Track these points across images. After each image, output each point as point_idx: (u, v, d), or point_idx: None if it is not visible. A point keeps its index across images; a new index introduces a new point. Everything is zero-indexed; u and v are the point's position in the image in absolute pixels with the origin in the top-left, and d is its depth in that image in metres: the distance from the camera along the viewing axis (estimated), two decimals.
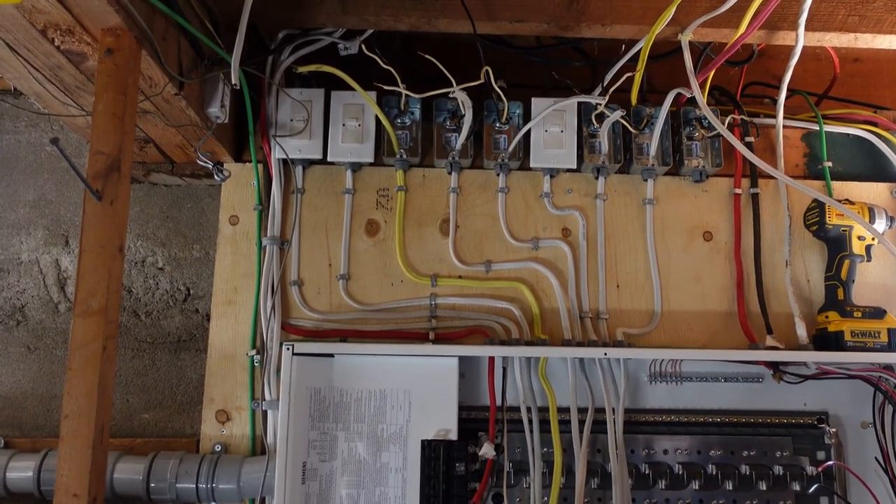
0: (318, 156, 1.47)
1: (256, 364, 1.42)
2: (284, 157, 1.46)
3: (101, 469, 0.95)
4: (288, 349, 1.32)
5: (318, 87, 1.49)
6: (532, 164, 1.49)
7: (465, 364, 1.39)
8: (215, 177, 1.40)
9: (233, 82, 1.26)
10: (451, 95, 1.39)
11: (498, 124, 1.49)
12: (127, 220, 1.04)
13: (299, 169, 1.50)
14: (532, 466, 1.34)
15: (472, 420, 1.38)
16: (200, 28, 1.23)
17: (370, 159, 1.48)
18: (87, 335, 0.97)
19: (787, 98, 1.52)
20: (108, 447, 0.98)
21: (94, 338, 0.96)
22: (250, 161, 1.48)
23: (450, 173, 1.51)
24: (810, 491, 1.37)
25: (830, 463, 1.38)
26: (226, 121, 1.36)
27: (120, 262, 1.02)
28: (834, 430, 1.41)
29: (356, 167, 1.51)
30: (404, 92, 1.40)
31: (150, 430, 1.50)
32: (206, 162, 1.38)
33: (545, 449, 1.36)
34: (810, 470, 1.38)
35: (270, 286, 1.44)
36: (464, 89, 1.37)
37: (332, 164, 1.50)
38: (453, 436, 1.33)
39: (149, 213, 1.59)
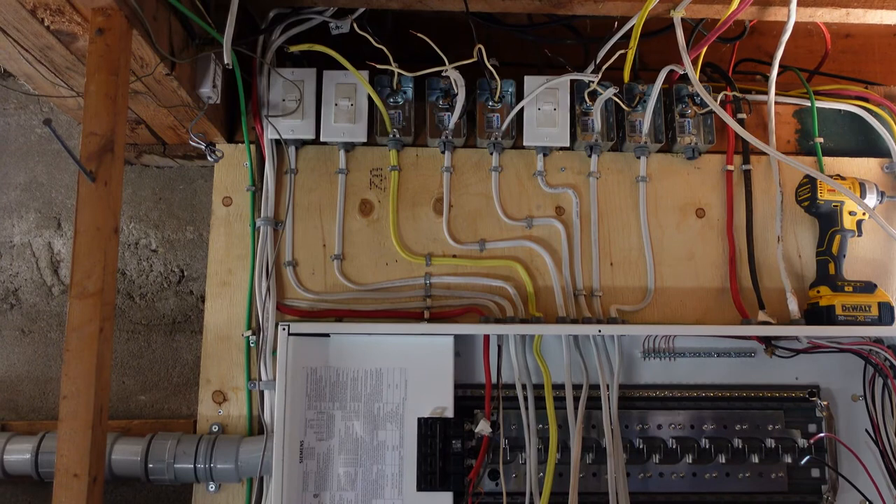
0: (311, 136, 1.47)
1: (252, 345, 1.42)
2: (277, 137, 1.46)
3: (100, 449, 0.96)
4: (283, 329, 1.32)
5: (310, 67, 1.48)
6: (525, 143, 1.49)
7: (461, 342, 1.39)
8: (208, 157, 1.40)
9: (225, 62, 1.25)
10: (443, 74, 1.39)
11: (491, 103, 1.49)
12: (121, 201, 1.04)
13: (292, 149, 1.50)
14: (528, 443, 1.35)
15: (469, 398, 1.39)
16: (191, 7, 1.22)
17: (363, 139, 1.47)
18: (84, 317, 0.97)
19: (778, 74, 1.53)
20: (107, 428, 0.99)
21: (90, 319, 0.97)
22: (243, 142, 1.47)
23: (443, 152, 1.51)
24: (802, 463, 1.38)
25: (822, 435, 1.40)
26: (218, 101, 1.35)
27: (115, 243, 1.02)
28: (825, 403, 1.42)
29: (349, 147, 1.51)
30: (397, 71, 1.40)
31: (147, 411, 1.51)
32: (198, 142, 1.37)
33: (541, 425, 1.37)
34: (802, 442, 1.39)
35: (265, 267, 1.44)
36: (456, 68, 1.37)
37: (324, 144, 1.50)
38: (449, 413, 1.34)
39: (141, 195, 1.58)
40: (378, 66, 1.38)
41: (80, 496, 0.92)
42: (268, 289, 1.42)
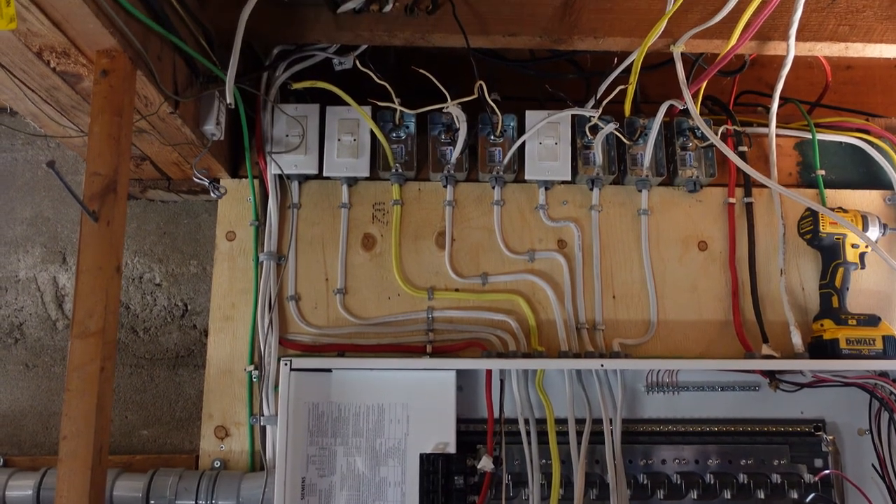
0: (314, 171, 1.48)
1: (254, 379, 1.42)
2: (280, 172, 1.47)
3: (100, 489, 0.96)
4: (286, 364, 1.32)
5: (313, 103, 1.50)
6: (527, 177, 1.50)
7: (463, 377, 1.39)
8: (211, 193, 1.41)
9: (227, 101, 1.27)
10: (445, 110, 1.39)
11: (492, 137, 1.50)
12: (123, 240, 1.05)
13: (295, 184, 1.51)
14: (531, 479, 1.35)
15: (471, 433, 1.38)
16: (195, 46, 1.23)
17: (366, 173, 1.48)
18: (86, 356, 0.97)
19: (779, 106, 1.53)
20: (107, 467, 0.98)
21: (92, 359, 0.97)
22: (246, 177, 1.48)
23: (445, 186, 1.52)
24: (808, 499, 1.37)
25: (828, 472, 1.38)
26: (221, 138, 1.36)
27: (117, 282, 1.02)
28: (831, 437, 1.41)
29: (352, 181, 1.52)
30: (399, 108, 1.41)
31: (149, 446, 1.50)
32: (202, 179, 1.38)
33: (543, 461, 1.36)
34: (808, 478, 1.38)
35: (268, 301, 1.44)
36: (458, 104, 1.38)
37: (327, 178, 1.51)
38: (452, 449, 1.33)
39: (146, 230, 1.59)
40: (380, 104, 1.39)
41: None
42: (270, 323, 1.43)
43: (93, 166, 1.02)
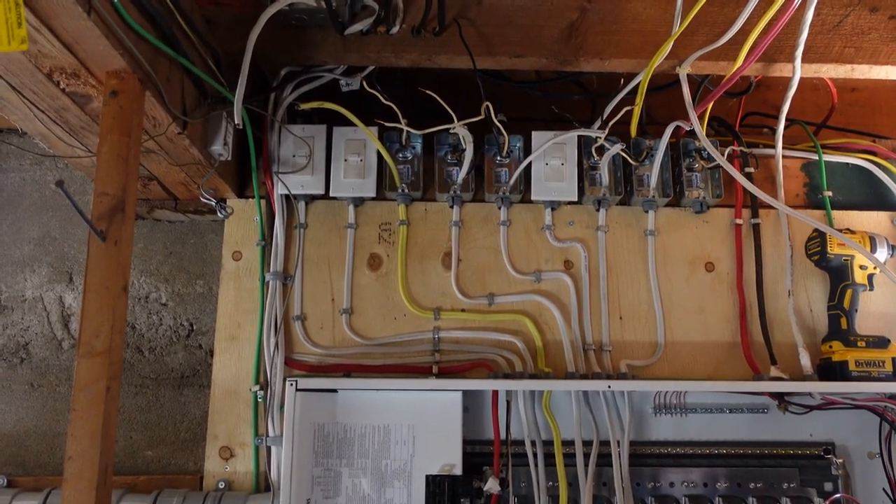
0: (321, 191, 1.48)
1: (260, 400, 1.41)
2: (287, 192, 1.47)
3: None
4: (291, 385, 1.32)
5: (320, 123, 1.50)
6: (533, 197, 1.50)
7: (469, 398, 1.38)
8: (218, 213, 1.41)
9: (235, 122, 1.27)
10: (451, 131, 1.40)
11: (499, 158, 1.50)
12: (131, 260, 1.05)
13: (302, 204, 1.51)
14: (537, 501, 1.33)
15: (477, 454, 1.37)
16: (203, 67, 1.24)
17: (372, 194, 1.49)
18: (91, 376, 0.97)
19: (785, 128, 1.53)
20: (111, 487, 0.98)
21: (97, 378, 0.97)
22: (253, 197, 1.49)
23: (451, 207, 1.52)
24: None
25: (838, 496, 1.37)
26: (229, 158, 1.37)
27: (124, 302, 1.02)
28: (841, 460, 1.40)
29: (358, 202, 1.52)
30: (405, 128, 1.41)
31: (154, 467, 1.50)
32: (209, 199, 1.39)
33: (550, 483, 1.35)
34: (818, 501, 1.37)
35: (274, 321, 1.44)
36: (465, 125, 1.38)
37: (334, 198, 1.51)
38: (458, 471, 1.32)
39: (152, 250, 1.60)
40: (387, 124, 1.40)
41: None
42: (276, 343, 1.42)
43: (101, 186, 1.02)
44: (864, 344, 1.40)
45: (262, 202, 1.49)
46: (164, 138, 1.22)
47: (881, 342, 1.41)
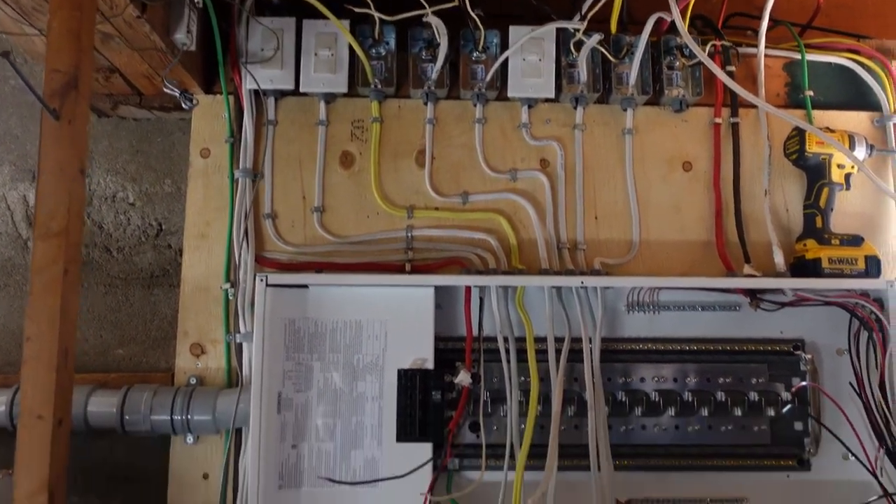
0: (290, 86, 1.44)
1: (231, 297, 1.40)
2: (256, 87, 1.42)
3: (66, 392, 0.94)
4: (261, 280, 1.30)
5: (290, 16, 1.44)
6: (510, 94, 1.46)
7: (442, 295, 1.37)
8: (183, 105, 1.36)
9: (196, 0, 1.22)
10: (424, 20, 1.35)
11: (475, 54, 1.46)
12: (87, 140, 1.01)
13: (271, 100, 1.46)
14: (509, 395, 1.34)
15: (449, 350, 1.36)
16: None
17: (344, 89, 1.44)
18: (48, 258, 0.94)
19: (770, 29, 1.50)
20: (73, 371, 0.96)
21: (54, 260, 0.94)
22: (221, 93, 1.44)
23: (426, 104, 1.48)
24: (784, 411, 1.37)
25: (804, 384, 1.38)
26: (192, 47, 1.31)
27: (81, 184, 0.99)
28: (810, 356, 1.41)
29: (330, 98, 1.47)
30: (376, 15, 1.36)
31: (125, 365, 1.49)
32: (172, 89, 1.34)
33: (522, 378, 1.35)
34: (785, 396, 1.38)
35: (243, 219, 1.41)
36: (438, 14, 1.33)
37: (304, 95, 1.47)
38: (430, 365, 1.32)
39: (118, 148, 1.55)
40: (357, 10, 1.34)
41: (43, 438, 0.90)
42: (246, 241, 1.40)
43: (52, 63, 0.98)
44: (837, 242, 1.40)
45: (231, 98, 1.44)
46: (121, 22, 1.17)
47: (855, 240, 1.41)
